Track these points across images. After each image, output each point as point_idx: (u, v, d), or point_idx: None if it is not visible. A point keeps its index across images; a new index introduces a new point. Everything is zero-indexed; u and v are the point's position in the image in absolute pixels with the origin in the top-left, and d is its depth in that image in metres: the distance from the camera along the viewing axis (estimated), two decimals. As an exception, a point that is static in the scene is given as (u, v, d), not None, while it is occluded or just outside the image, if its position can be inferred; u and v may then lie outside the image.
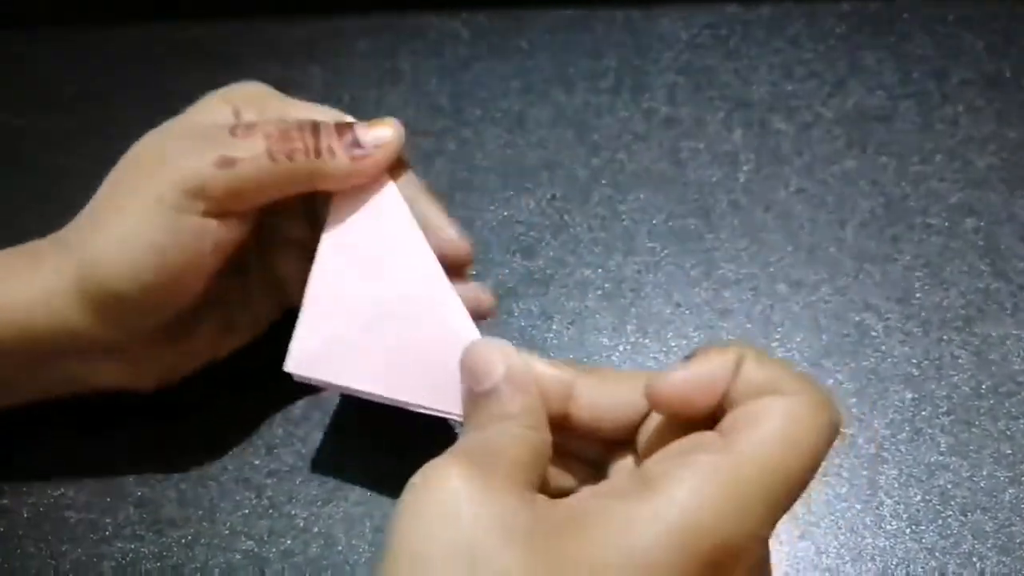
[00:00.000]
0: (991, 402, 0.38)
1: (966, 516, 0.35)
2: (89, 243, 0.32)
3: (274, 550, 0.35)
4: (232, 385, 0.38)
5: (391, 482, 0.36)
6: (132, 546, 0.36)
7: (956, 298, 0.41)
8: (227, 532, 0.36)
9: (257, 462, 0.37)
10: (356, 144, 0.33)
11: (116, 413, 0.37)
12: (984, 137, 0.45)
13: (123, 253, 0.31)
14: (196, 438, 0.38)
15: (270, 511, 0.36)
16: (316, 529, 0.36)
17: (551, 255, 0.43)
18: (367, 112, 0.48)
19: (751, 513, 0.23)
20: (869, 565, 0.34)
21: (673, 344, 0.40)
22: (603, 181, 0.45)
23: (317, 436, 0.38)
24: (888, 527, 0.35)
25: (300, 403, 0.38)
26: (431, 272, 0.33)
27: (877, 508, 0.36)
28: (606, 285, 0.42)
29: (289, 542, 0.36)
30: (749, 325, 0.40)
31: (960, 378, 0.38)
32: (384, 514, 0.36)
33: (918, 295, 0.41)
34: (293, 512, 0.36)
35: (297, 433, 0.38)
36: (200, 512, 0.36)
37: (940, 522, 0.35)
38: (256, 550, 0.35)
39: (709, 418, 0.26)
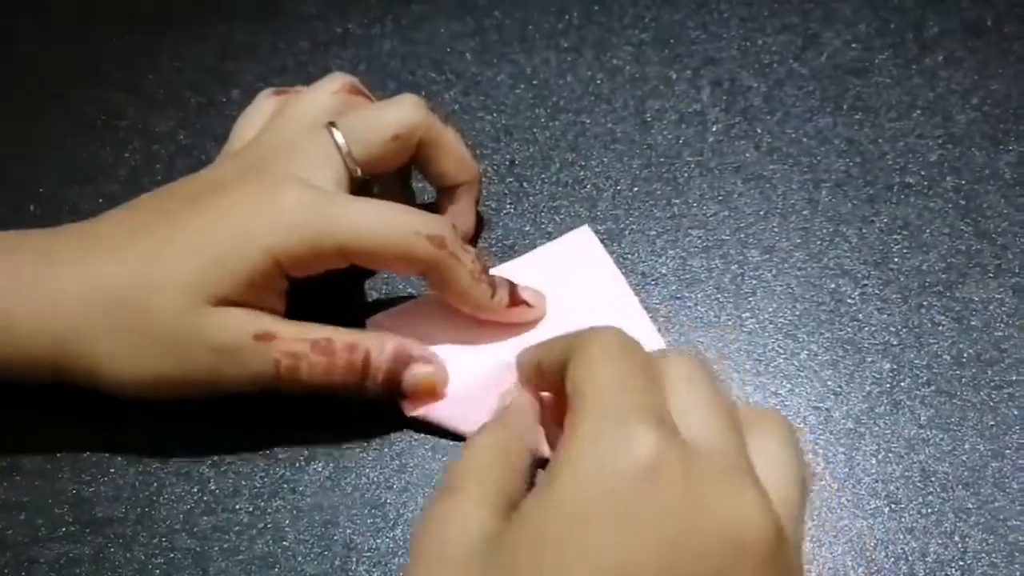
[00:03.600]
0: (973, 371, 0.36)
1: (948, 492, 0.33)
2: None
3: (217, 547, 0.33)
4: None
5: (340, 474, 0.35)
6: (67, 548, 0.34)
7: (936, 261, 0.38)
8: (167, 530, 0.34)
9: (198, 455, 0.35)
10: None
11: (47, 406, 0.35)
12: (965, 90, 0.43)
13: None
14: (133, 431, 0.35)
15: (213, 506, 0.34)
16: (262, 524, 0.34)
17: (510, 225, 0.40)
18: (315, 77, 0.46)
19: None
20: (847, 547, 0.33)
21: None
22: (564, 145, 0.42)
23: (261, 426, 0.35)
24: (866, 506, 0.33)
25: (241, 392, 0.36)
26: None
27: (854, 486, 0.34)
28: (568, 256, 0.39)
29: (233, 539, 0.33)
30: (718, 295, 0.38)
31: (941, 346, 0.36)
32: (333, 506, 0.34)
33: (896, 259, 0.39)
34: (237, 507, 0.34)
35: (240, 423, 0.35)
36: (138, 510, 0.34)
37: (920, 499, 0.33)
38: (198, 548, 0.33)
39: None
